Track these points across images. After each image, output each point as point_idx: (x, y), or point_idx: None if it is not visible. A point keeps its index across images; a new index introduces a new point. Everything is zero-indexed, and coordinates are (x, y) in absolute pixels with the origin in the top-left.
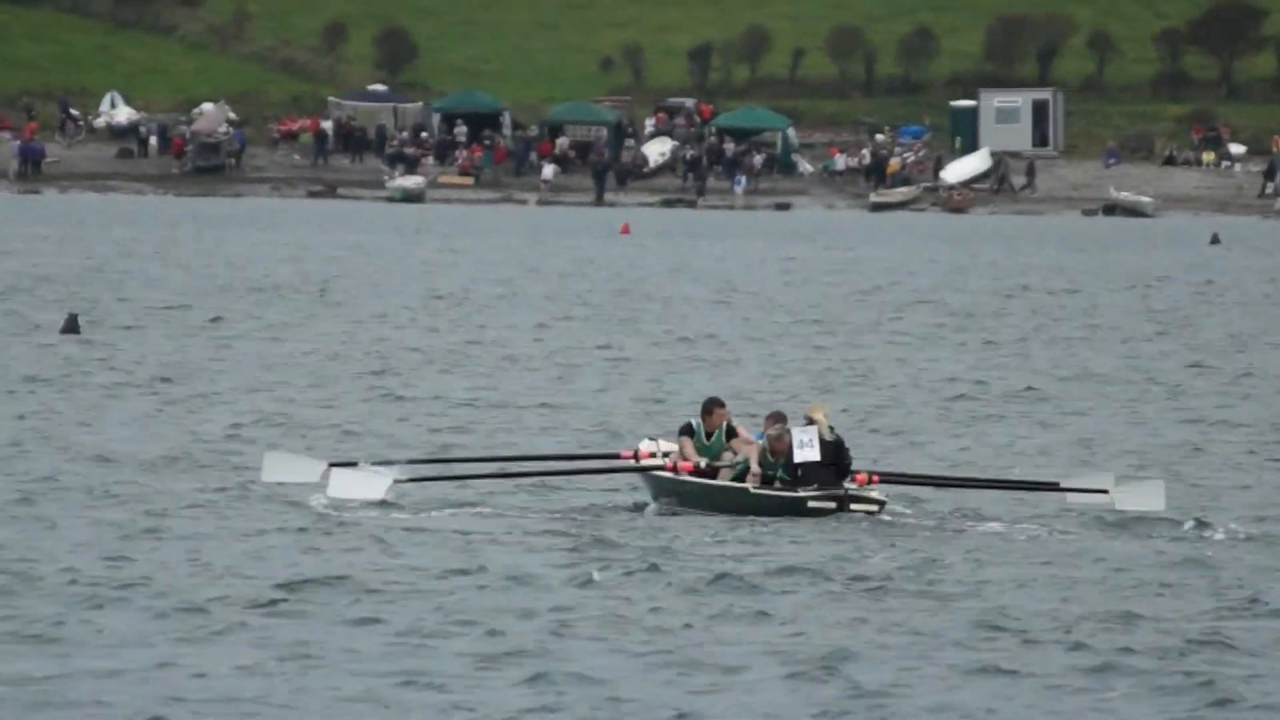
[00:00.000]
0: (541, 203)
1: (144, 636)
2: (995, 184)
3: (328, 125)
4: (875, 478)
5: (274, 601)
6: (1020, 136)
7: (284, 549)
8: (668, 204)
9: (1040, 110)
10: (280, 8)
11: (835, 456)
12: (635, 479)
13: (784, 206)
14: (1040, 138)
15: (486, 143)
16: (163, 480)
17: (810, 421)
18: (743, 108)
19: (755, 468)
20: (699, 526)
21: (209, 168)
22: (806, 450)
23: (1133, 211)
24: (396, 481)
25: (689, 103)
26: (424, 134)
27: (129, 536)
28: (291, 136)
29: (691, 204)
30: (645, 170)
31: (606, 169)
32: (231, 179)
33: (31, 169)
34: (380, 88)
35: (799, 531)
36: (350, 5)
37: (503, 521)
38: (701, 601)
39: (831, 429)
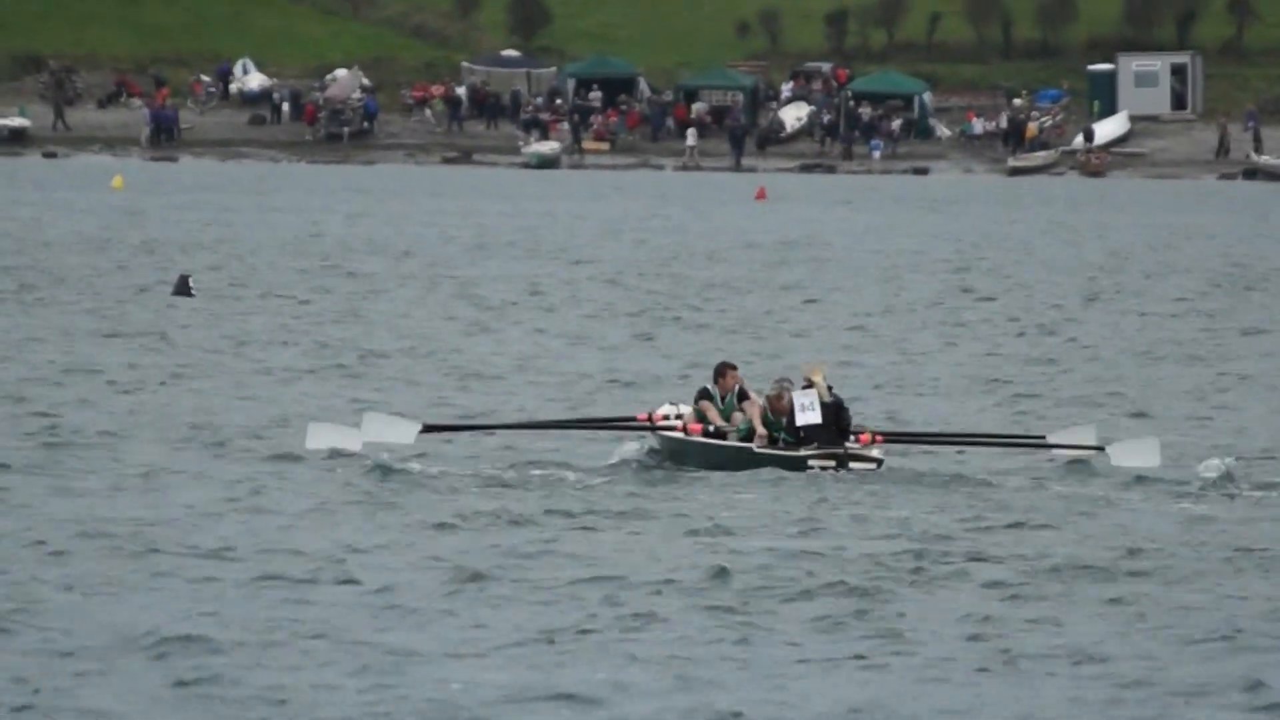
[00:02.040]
0: (685, 168)
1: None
2: (1220, 152)
3: (461, 91)
4: (878, 437)
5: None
6: (1159, 100)
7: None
8: (806, 169)
9: (1179, 74)
10: None
11: (835, 417)
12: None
13: (921, 171)
14: (1178, 101)
15: (622, 108)
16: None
17: (809, 384)
18: (879, 72)
19: (760, 428)
20: (702, 483)
21: (342, 134)
22: (808, 413)
23: (1274, 175)
24: (425, 428)
25: (825, 67)
26: (558, 100)
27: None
28: (423, 103)
29: (831, 169)
30: (782, 135)
31: (744, 134)
32: (366, 146)
33: (164, 136)
34: (513, 53)
35: (800, 489)
36: None
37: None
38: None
39: (830, 389)
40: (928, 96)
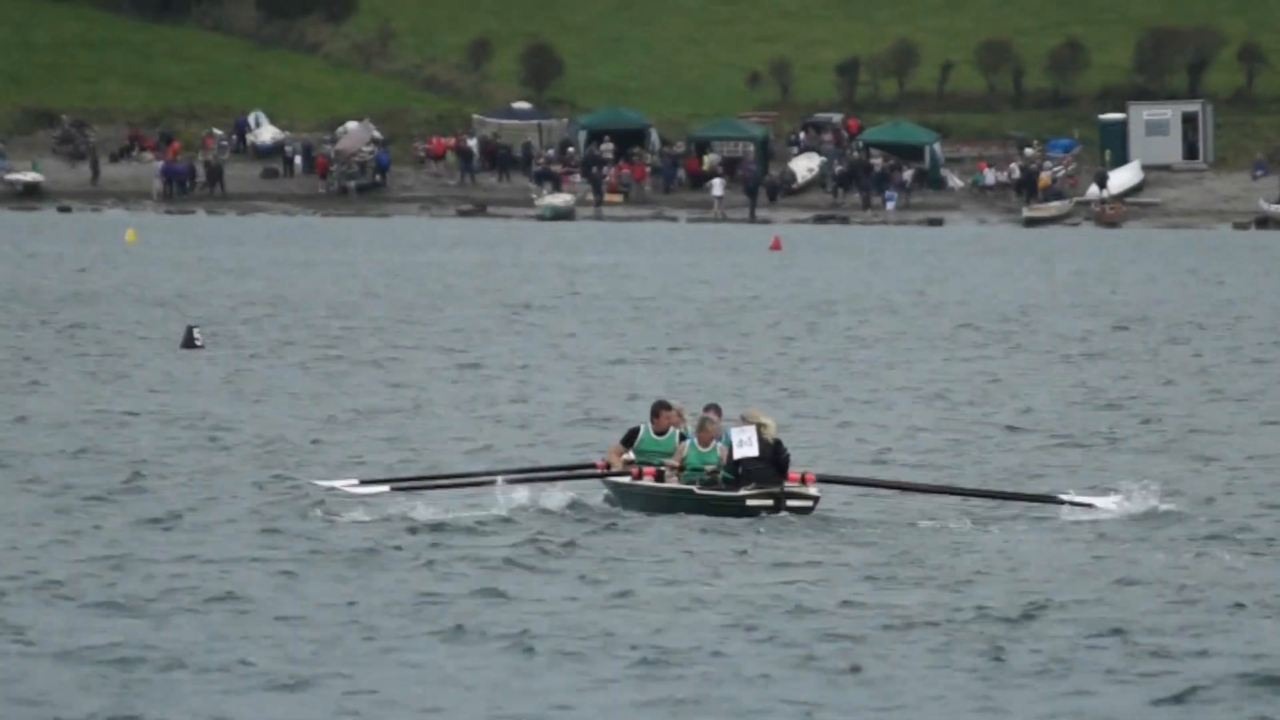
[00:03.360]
0: (718, 220)
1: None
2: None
3: (473, 143)
4: (810, 476)
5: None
6: (1170, 149)
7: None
8: (819, 220)
9: (1190, 122)
10: (425, 25)
11: (774, 454)
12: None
13: (936, 222)
14: (1189, 150)
15: (634, 159)
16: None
17: (745, 421)
18: (890, 122)
19: (676, 460)
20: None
21: (355, 187)
22: (745, 448)
23: None
24: (362, 482)
25: (836, 118)
26: (570, 150)
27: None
28: (437, 157)
29: (844, 220)
30: (793, 186)
31: (757, 184)
32: (379, 198)
33: (176, 189)
34: (525, 105)
35: (741, 530)
36: (495, 22)
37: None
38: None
39: (772, 432)
40: (938, 147)
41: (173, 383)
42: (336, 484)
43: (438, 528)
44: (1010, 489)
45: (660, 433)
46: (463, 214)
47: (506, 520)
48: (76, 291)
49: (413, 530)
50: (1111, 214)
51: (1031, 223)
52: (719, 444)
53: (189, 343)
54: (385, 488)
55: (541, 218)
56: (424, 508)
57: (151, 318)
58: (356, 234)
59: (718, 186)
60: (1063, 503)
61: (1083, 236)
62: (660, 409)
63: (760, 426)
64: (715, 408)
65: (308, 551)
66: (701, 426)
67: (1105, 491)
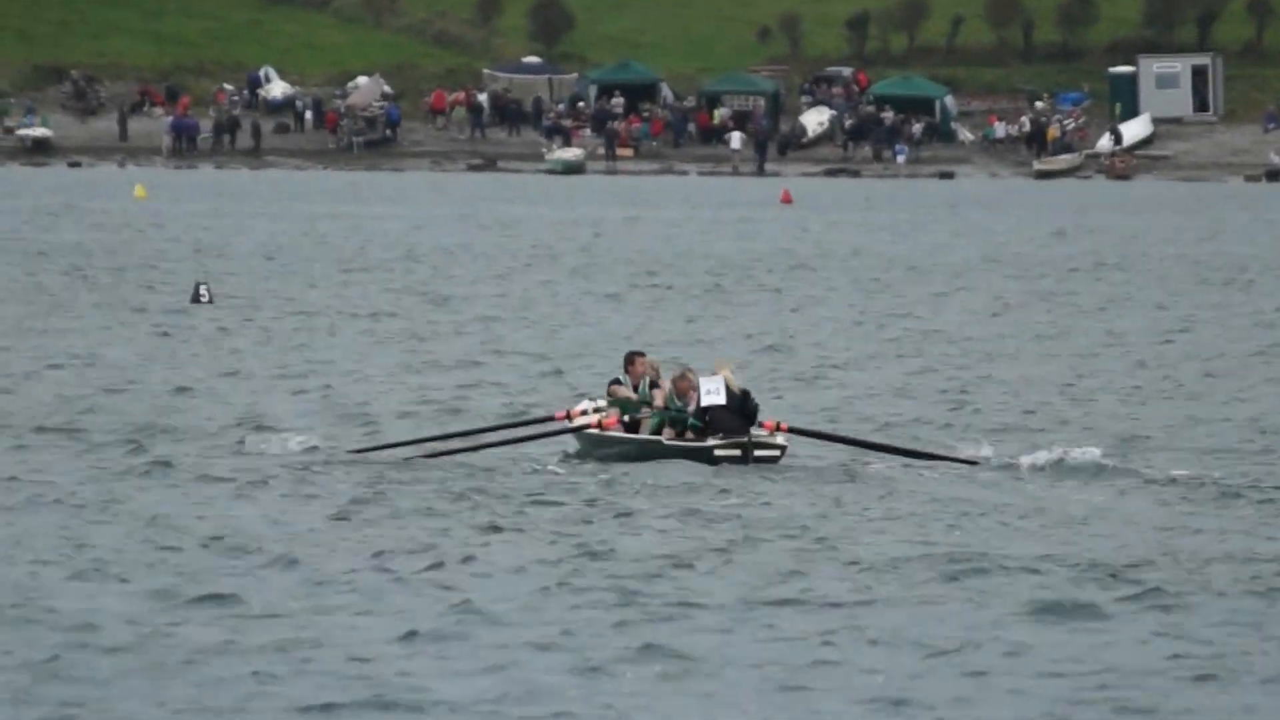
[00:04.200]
0: (736, 173)
1: None
2: None
3: (483, 98)
4: (783, 425)
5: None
6: (1180, 102)
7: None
8: (830, 174)
9: (1199, 75)
10: None
11: (742, 404)
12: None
13: (947, 175)
14: (1199, 103)
15: (645, 114)
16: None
17: (715, 374)
18: (900, 76)
19: (659, 402)
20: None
21: (368, 142)
22: (713, 396)
23: None
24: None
25: (846, 72)
26: (580, 104)
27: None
28: (437, 111)
29: (855, 173)
30: (804, 140)
31: (767, 139)
32: (390, 153)
33: (186, 144)
34: (535, 60)
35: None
36: None
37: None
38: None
39: (737, 384)
40: (949, 100)
41: (166, 338)
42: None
43: (387, 494)
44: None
45: (634, 384)
46: (472, 169)
47: (472, 483)
48: (92, 244)
49: (372, 494)
50: (1122, 167)
51: (1042, 175)
52: (693, 395)
53: (196, 298)
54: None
55: (552, 172)
56: (382, 472)
57: (165, 272)
58: (367, 188)
59: (735, 140)
60: (1019, 465)
61: (1093, 189)
62: (633, 358)
63: (726, 378)
64: (688, 366)
65: (270, 522)
66: (681, 378)
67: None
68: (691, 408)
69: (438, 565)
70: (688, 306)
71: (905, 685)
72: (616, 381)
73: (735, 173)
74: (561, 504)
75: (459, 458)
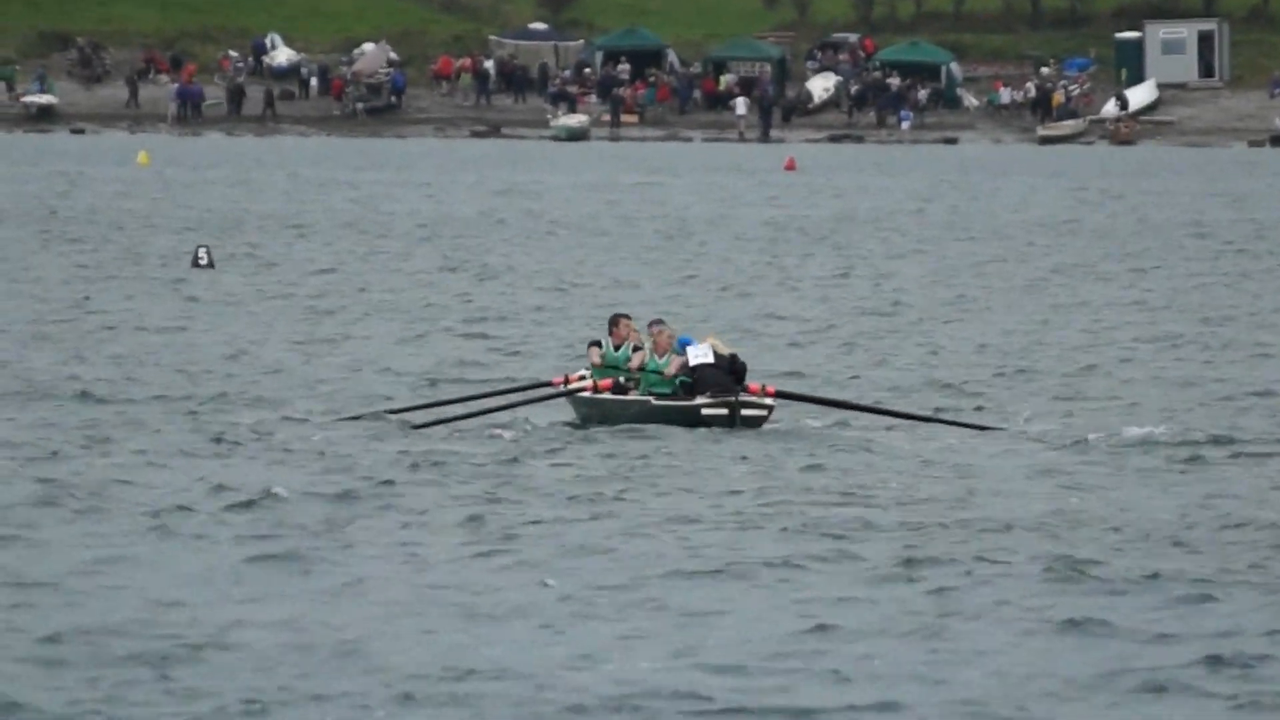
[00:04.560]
0: (742, 139)
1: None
2: None
3: (489, 64)
4: (769, 389)
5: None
6: (1185, 67)
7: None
8: (834, 139)
9: (1205, 41)
10: None
11: (730, 364)
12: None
13: (951, 141)
14: (1205, 68)
15: (651, 80)
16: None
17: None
18: (907, 42)
19: (635, 363)
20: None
21: (371, 109)
22: (701, 357)
23: None
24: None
25: (852, 38)
26: (587, 70)
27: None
28: (443, 76)
29: (859, 139)
30: (810, 106)
31: (772, 105)
32: (394, 120)
33: (191, 112)
34: (542, 26)
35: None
36: None
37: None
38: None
39: (729, 352)
40: (955, 66)
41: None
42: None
43: (382, 460)
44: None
45: (618, 344)
46: (476, 135)
47: (467, 447)
48: (94, 209)
49: (376, 460)
50: (1126, 133)
51: (1046, 141)
52: (672, 354)
53: (196, 262)
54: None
55: (556, 139)
56: (378, 438)
57: (167, 238)
58: (373, 156)
59: (741, 105)
60: (1018, 430)
61: (1097, 155)
62: (617, 320)
63: (714, 344)
64: (660, 321)
65: (259, 490)
66: (656, 336)
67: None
68: (671, 368)
69: (425, 527)
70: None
71: (893, 647)
72: (596, 344)
73: (741, 139)
74: (549, 467)
75: (458, 424)
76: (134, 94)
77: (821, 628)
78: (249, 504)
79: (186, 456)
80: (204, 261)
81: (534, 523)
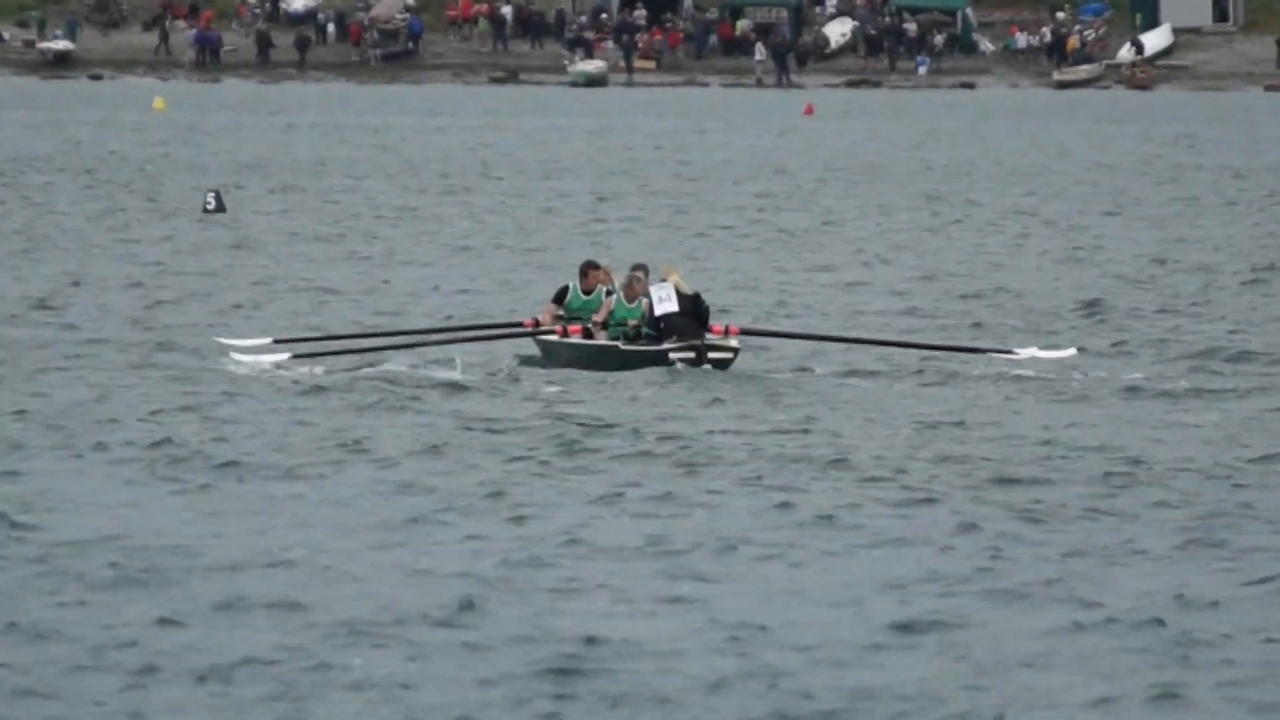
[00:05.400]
0: (760, 85)
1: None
2: None
3: (507, 10)
4: (734, 329)
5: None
6: (1200, 11)
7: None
8: (851, 85)
9: None
10: None
11: (694, 308)
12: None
13: (968, 86)
14: (1220, 13)
15: (667, 25)
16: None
17: (662, 280)
18: None
19: (601, 315)
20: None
21: (388, 55)
22: (665, 304)
23: None
24: (285, 352)
25: None
26: (603, 16)
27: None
28: (458, 22)
29: (876, 84)
30: (826, 51)
31: (788, 51)
32: (411, 66)
33: (209, 58)
34: None
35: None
36: None
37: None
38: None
39: (686, 285)
40: (971, 11)
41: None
42: (237, 343)
43: (343, 392)
44: (941, 341)
45: (588, 291)
46: (494, 81)
47: (437, 381)
48: (109, 155)
49: (350, 391)
50: (1142, 77)
51: (1062, 86)
52: (643, 300)
53: (209, 206)
54: (285, 353)
55: (574, 84)
56: (350, 369)
57: (183, 182)
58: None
59: (760, 51)
60: (983, 351)
61: (1113, 99)
62: (588, 268)
63: (676, 282)
64: (643, 267)
65: (229, 416)
66: (629, 283)
67: (1029, 344)
68: (641, 311)
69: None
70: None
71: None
72: (562, 293)
73: (759, 84)
74: (517, 409)
75: (429, 353)
76: (164, 39)
77: (794, 568)
78: (212, 438)
79: (148, 380)
80: (211, 206)
81: (481, 463)
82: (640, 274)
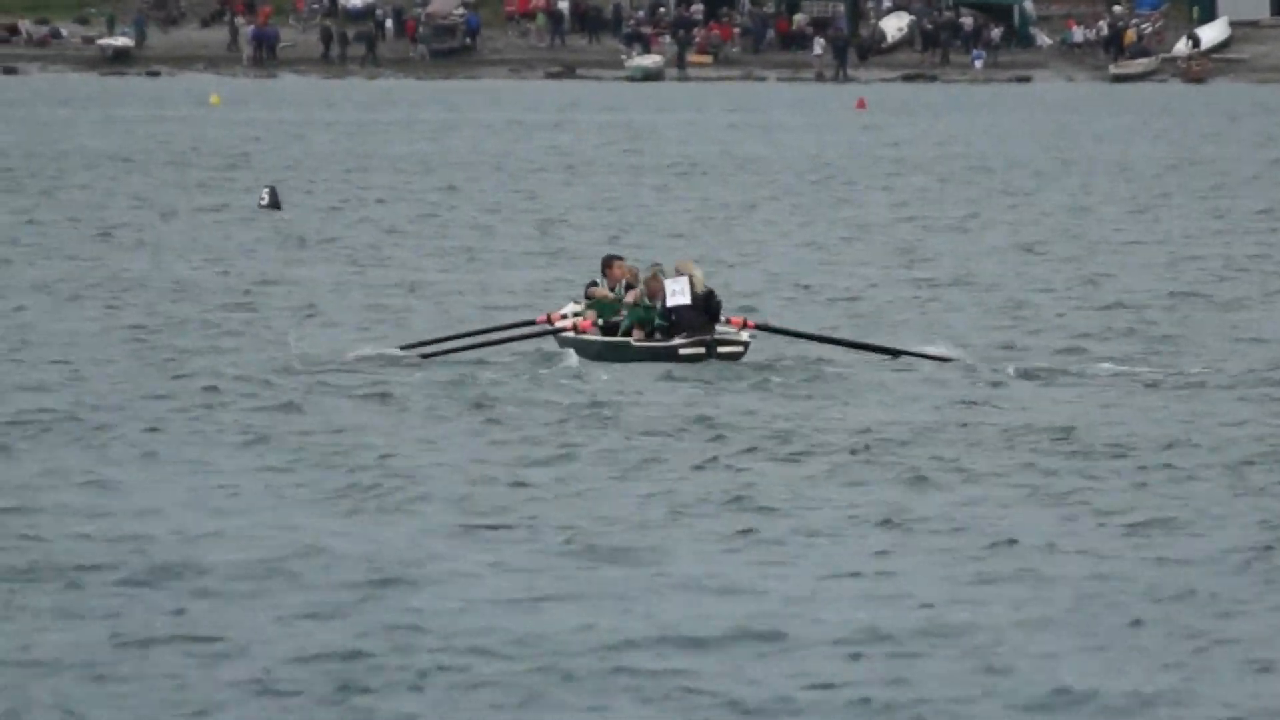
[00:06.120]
0: (820, 79)
1: None
2: None
3: (563, 5)
4: (749, 323)
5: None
6: (1257, 4)
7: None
8: (907, 79)
9: None
10: None
11: (705, 303)
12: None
13: (1024, 80)
14: (1277, 6)
15: (724, 20)
16: None
17: (679, 274)
18: None
19: (631, 298)
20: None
21: (437, 51)
22: (678, 296)
23: None
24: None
25: None
26: (660, 10)
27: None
28: (516, 17)
29: (932, 78)
30: (884, 45)
31: (846, 44)
32: (468, 61)
33: (266, 53)
34: None
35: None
36: None
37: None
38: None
39: (702, 282)
40: (1028, 4)
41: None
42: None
43: (383, 396)
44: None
45: (611, 286)
46: (551, 76)
47: (458, 383)
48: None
49: (375, 398)
50: (1198, 70)
51: (1118, 79)
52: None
53: (274, 202)
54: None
55: (631, 79)
56: (376, 374)
57: (236, 177)
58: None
59: (818, 45)
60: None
61: (1168, 93)
62: (612, 261)
63: (691, 277)
64: (659, 265)
65: (282, 429)
66: (652, 278)
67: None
68: (661, 307)
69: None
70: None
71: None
72: (594, 284)
73: (819, 79)
74: (534, 404)
75: (448, 359)
76: (234, 37)
77: (786, 562)
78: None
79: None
80: (265, 202)
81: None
82: (659, 271)
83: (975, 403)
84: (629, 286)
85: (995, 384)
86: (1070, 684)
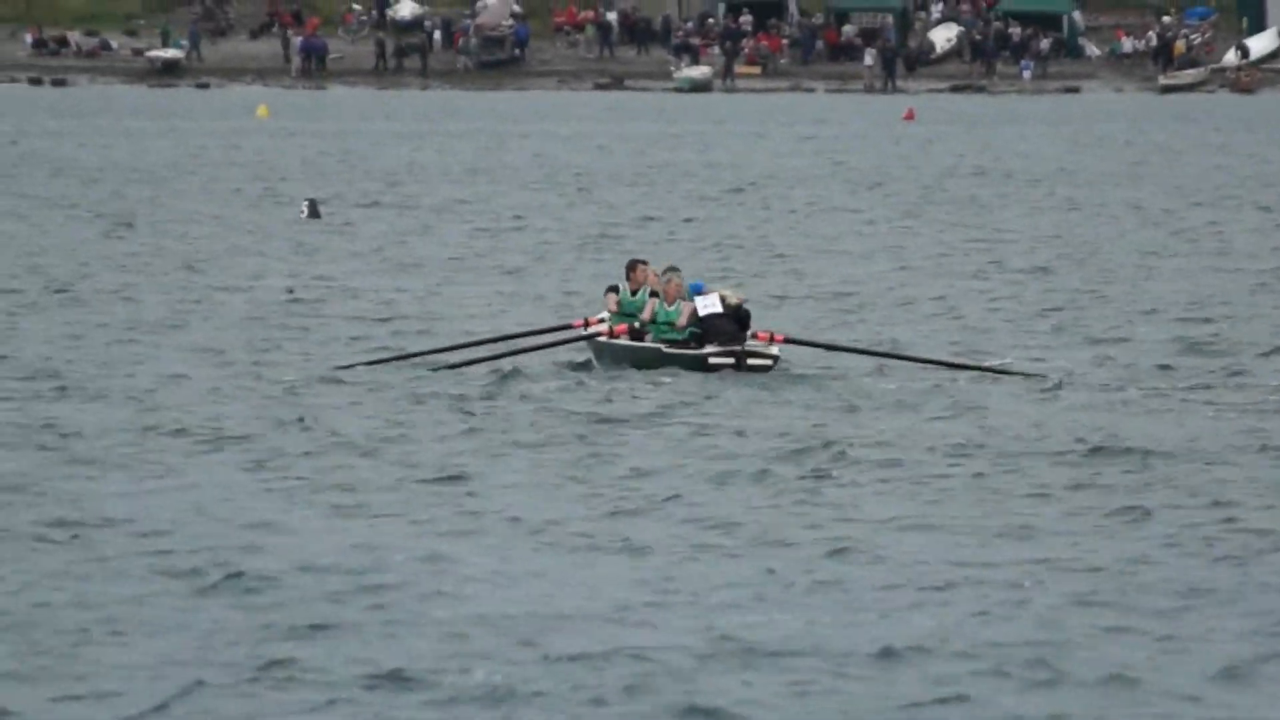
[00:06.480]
0: (870, 90)
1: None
2: None
3: (612, 17)
4: (778, 336)
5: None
6: None
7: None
8: (956, 90)
9: None
10: None
11: (735, 313)
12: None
13: (1072, 90)
14: None
15: (772, 31)
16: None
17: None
18: None
19: (646, 314)
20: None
21: (494, 62)
22: (709, 307)
23: None
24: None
25: None
26: (709, 21)
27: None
28: (565, 29)
29: (981, 89)
30: (932, 56)
31: (895, 56)
32: (517, 73)
33: (315, 64)
34: None
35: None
36: None
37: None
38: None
39: (736, 302)
40: (1077, 15)
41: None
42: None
43: (404, 400)
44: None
45: (634, 290)
46: (599, 87)
47: (498, 387)
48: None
49: (414, 403)
50: (1247, 81)
51: (1167, 90)
52: (682, 303)
53: (313, 213)
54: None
55: (679, 90)
56: (417, 380)
57: (286, 188)
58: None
59: (869, 56)
60: (1015, 374)
61: (1218, 103)
62: (636, 264)
63: (722, 295)
64: (676, 269)
65: (300, 433)
66: (668, 282)
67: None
68: (681, 318)
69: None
70: None
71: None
72: (614, 288)
73: (870, 90)
74: (563, 410)
75: (482, 365)
76: (286, 47)
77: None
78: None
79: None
80: (304, 214)
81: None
82: (674, 275)
83: (1012, 414)
84: (652, 293)
85: (1038, 396)
86: (1117, 694)
